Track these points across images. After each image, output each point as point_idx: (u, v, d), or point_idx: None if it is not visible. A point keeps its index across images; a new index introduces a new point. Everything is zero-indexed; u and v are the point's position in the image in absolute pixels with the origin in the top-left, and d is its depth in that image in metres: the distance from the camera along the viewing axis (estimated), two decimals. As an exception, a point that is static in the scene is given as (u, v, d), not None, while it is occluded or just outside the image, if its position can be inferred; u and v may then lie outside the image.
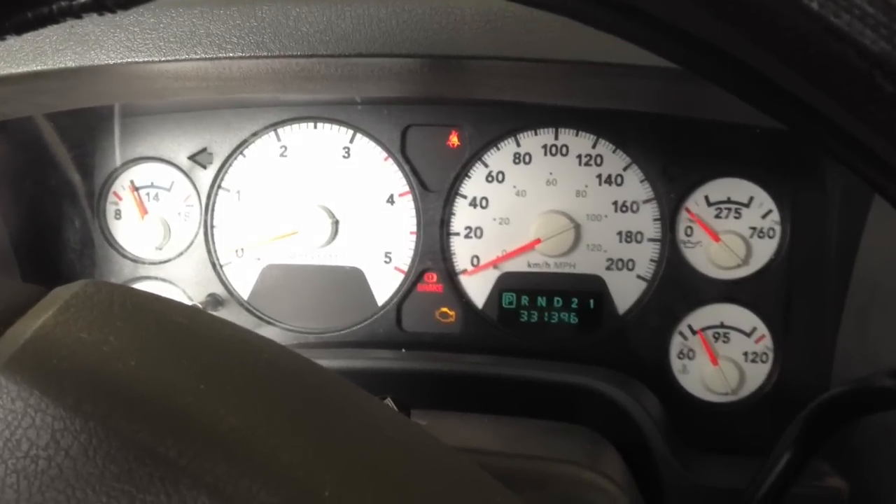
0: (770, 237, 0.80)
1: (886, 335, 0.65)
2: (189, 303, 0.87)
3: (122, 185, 0.89)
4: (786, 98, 0.27)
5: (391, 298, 0.86)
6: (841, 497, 0.72)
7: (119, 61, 0.57)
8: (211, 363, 0.35)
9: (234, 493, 0.29)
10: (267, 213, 0.87)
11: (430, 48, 0.55)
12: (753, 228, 0.81)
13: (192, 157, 0.87)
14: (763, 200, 0.80)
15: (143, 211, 0.88)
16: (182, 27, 0.56)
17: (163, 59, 0.56)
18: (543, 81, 0.67)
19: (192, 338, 0.36)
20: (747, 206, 0.81)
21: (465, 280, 0.85)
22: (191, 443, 0.29)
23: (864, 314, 0.71)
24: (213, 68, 0.59)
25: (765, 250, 0.80)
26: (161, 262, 0.89)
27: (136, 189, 0.88)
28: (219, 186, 0.87)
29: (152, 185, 0.89)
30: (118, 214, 0.89)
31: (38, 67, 0.57)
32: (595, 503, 0.51)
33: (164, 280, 0.89)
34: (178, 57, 0.56)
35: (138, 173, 0.89)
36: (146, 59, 0.56)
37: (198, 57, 0.56)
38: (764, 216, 0.80)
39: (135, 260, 0.89)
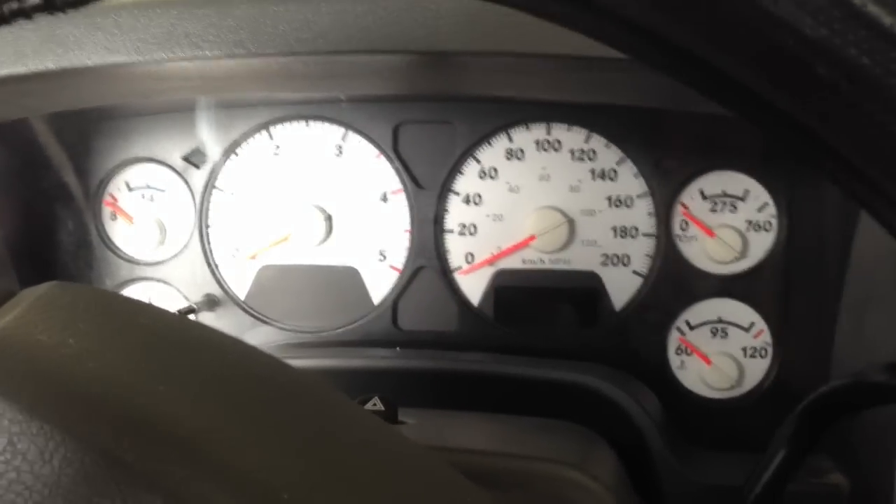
0: (767, 231, 0.79)
1: (882, 329, 0.64)
2: (186, 303, 0.87)
3: (117, 187, 0.89)
4: (736, 89, 0.27)
5: (387, 297, 0.86)
6: (841, 494, 0.71)
7: (99, 63, 0.57)
8: (172, 365, 0.34)
9: (190, 497, 0.28)
10: (261, 213, 0.87)
11: (407, 44, 0.55)
12: (750, 222, 0.80)
13: (185, 158, 0.87)
14: (759, 193, 0.79)
15: (128, 217, 0.88)
16: (160, 27, 0.56)
17: (142, 59, 0.56)
18: (527, 76, 0.66)
19: (155, 340, 0.36)
20: (743, 199, 0.80)
21: (460, 278, 0.85)
22: (148, 446, 0.29)
23: (861, 308, 0.70)
24: (193, 68, 0.59)
25: (761, 244, 0.79)
26: (157, 263, 0.89)
27: (115, 200, 0.89)
28: (213, 186, 0.87)
29: (147, 186, 0.89)
30: (114, 216, 0.90)
31: (20, 70, 0.57)
32: (578, 502, 0.50)
33: (160, 281, 0.89)
34: (156, 57, 0.56)
35: (133, 174, 0.89)
36: (125, 60, 0.56)
37: (176, 57, 0.55)
38: (760, 209, 0.79)
39: (131, 261, 0.90)
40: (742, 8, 0.23)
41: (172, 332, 0.37)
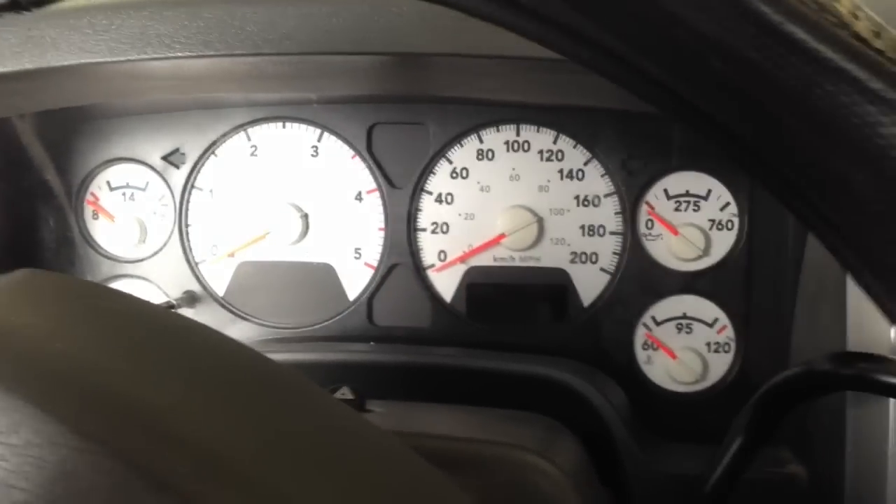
0: (729, 229, 0.82)
1: (833, 322, 0.66)
2: (165, 300, 0.89)
3: (98, 186, 0.91)
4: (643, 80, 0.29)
5: (362, 293, 0.88)
6: (800, 482, 0.73)
7: (75, 62, 0.59)
8: (138, 345, 0.36)
9: (152, 465, 0.30)
10: (239, 211, 0.89)
11: (370, 45, 0.57)
12: (712, 221, 0.82)
13: (165, 158, 0.89)
14: (721, 193, 0.82)
15: (109, 215, 0.90)
16: (133, 28, 0.58)
17: (115, 59, 0.58)
18: (494, 77, 0.68)
19: (122, 322, 0.38)
20: (706, 199, 0.82)
21: (433, 275, 0.87)
22: (110, 418, 0.31)
23: (815, 303, 0.72)
24: (166, 68, 0.61)
25: (724, 242, 0.82)
26: (138, 261, 0.91)
27: (97, 199, 0.91)
28: (192, 186, 0.89)
29: (128, 186, 0.91)
30: (95, 214, 0.92)
31: (4, 70, 0.59)
32: (537, 485, 0.52)
33: (141, 278, 0.91)
34: (129, 57, 0.58)
35: (114, 174, 0.91)
36: (100, 60, 0.58)
37: (148, 57, 0.58)
38: (722, 208, 0.82)
39: (112, 258, 0.92)
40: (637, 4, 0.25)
41: (141, 317, 0.39)
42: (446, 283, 0.87)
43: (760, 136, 0.26)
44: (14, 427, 0.30)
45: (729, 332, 0.82)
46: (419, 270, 0.87)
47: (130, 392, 0.32)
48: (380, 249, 0.87)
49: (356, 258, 0.88)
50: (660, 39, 0.26)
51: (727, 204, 0.81)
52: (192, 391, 0.34)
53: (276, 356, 0.78)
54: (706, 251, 0.82)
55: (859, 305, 0.64)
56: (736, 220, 0.81)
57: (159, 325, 0.39)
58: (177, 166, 0.89)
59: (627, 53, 0.27)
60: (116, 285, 0.91)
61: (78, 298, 0.38)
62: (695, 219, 0.82)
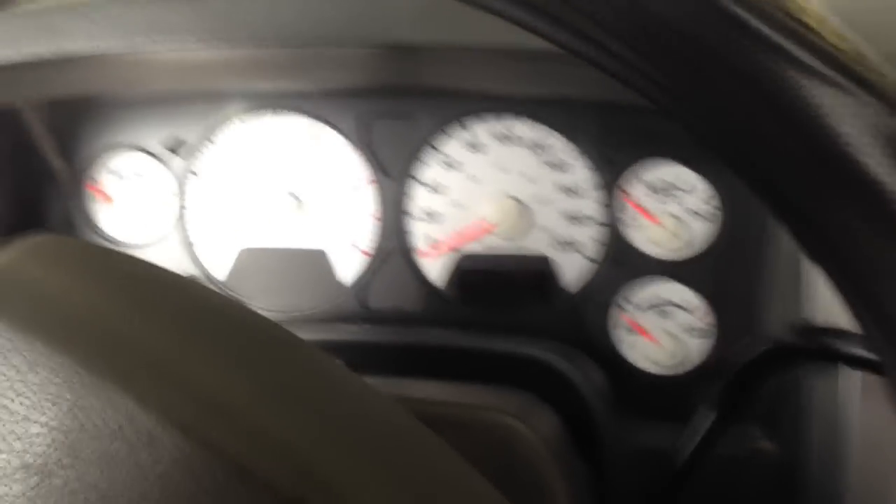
0: (707, 219, 0.85)
1: (804, 306, 0.69)
2: (164, 284, 0.92)
3: (100, 171, 0.94)
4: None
5: (356, 279, 0.91)
6: (769, 457, 0.77)
7: (84, 50, 0.62)
8: (148, 298, 0.40)
9: (157, 401, 0.33)
10: (238, 199, 0.92)
11: (368, 37, 0.60)
12: (692, 211, 0.85)
13: (165, 145, 0.92)
14: (700, 184, 0.85)
15: (109, 200, 0.94)
16: (144, 17, 0.61)
17: (125, 47, 0.62)
18: (488, 68, 0.72)
19: (134, 281, 0.41)
20: (685, 189, 0.85)
21: (425, 261, 0.90)
22: (120, 358, 0.34)
23: (787, 289, 0.76)
24: (172, 57, 0.64)
25: (703, 231, 0.85)
26: (139, 247, 0.94)
27: (99, 184, 0.94)
28: (192, 173, 0.93)
29: (129, 172, 0.94)
30: (97, 200, 0.95)
31: (11, 56, 0.62)
32: (515, 448, 0.56)
33: (141, 263, 0.94)
34: (138, 46, 0.61)
35: (116, 160, 0.94)
36: (109, 49, 0.62)
37: (157, 46, 0.61)
38: (702, 199, 0.85)
39: (113, 243, 0.95)
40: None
41: (150, 276, 0.42)
42: (437, 270, 0.90)
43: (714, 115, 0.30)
44: (32, 366, 0.33)
45: (707, 317, 0.86)
46: (411, 257, 0.90)
47: (140, 338, 0.35)
48: (374, 237, 0.91)
49: (351, 245, 0.91)
50: (623, 22, 0.29)
51: (706, 194, 0.85)
52: (199, 340, 0.37)
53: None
54: (686, 240, 0.85)
55: (827, 291, 0.68)
56: (716, 211, 0.85)
57: (172, 285, 0.42)
58: (176, 153, 0.92)
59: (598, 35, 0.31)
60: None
61: (95, 258, 0.42)
62: (675, 208, 0.86)
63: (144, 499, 0.30)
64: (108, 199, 0.94)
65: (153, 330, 0.36)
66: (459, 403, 0.59)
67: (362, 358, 0.79)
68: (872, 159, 0.26)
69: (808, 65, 0.26)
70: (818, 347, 0.60)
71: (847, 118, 0.26)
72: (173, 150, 0.92)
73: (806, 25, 0.27)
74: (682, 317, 0.87)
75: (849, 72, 0.26)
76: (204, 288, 0.44)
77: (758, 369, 0.67)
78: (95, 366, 0.34)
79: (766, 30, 0.26)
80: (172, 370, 0.34)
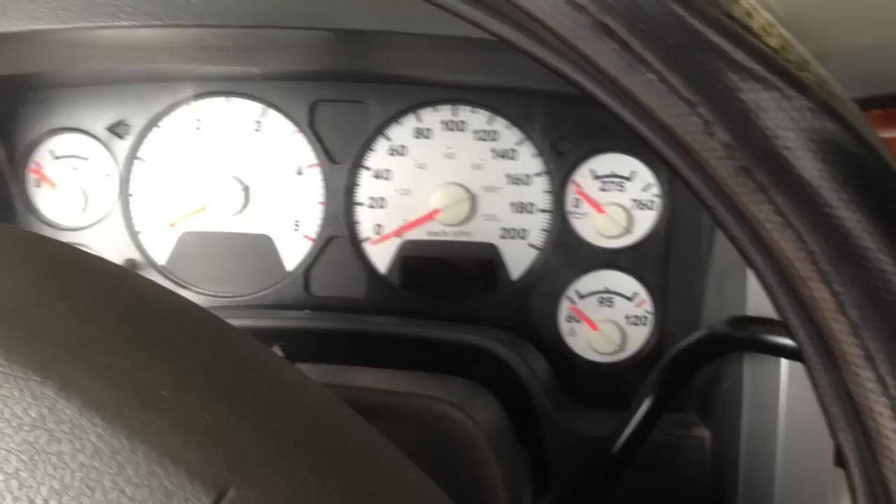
0: (650, 209, 0.87)
1: (737, 292, 0.71)
2: (106, 268, 0.91)
3: (42, 155, 0.93)
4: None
5: (300, 264, 0.91)
6: (704, 444, 0.79)
7: (23, 29, 0.61)
8: (71, 285, 0.39)
9: (80, 388, 0.33)
10: (182, 183, 0.91)
11: (312, 21, 0.60)
12: (635, 200, 0.87)
13: (109, 128, 0.91)
14: (644, 175, 0.87)
15: (51, 184, 0.92)
16: (81, -4, 0.60)
17: (63, 26, 0.60)
18: (431, 56, 0.72)
19: (57, 266, 0.40)
20: (630, 179, 0.87)
21: (369, 248, 0.91)
22: (43, 346, 0.34)
23: (723, 275, 0.78)
24: (112, 37, 0.63)
25: (645, 221, 0.87)
26: (79, 229, 0.93)
27: (40, 167, 0.92)
28: (135, 157, 0.91)
29: (71, 155, 0.92)
30: (38, 183, 0.93)
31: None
32: (451, 435, 0.56)
33: (82, 246, 0.92)
34: (77, 25, 0.60)
35: (58, 143, 0.92)
36: (47, 27, 0.60)
37: (95, 25, 0.60)
38: (644, 189, 0.87)
39: (53, 226, 0.93)
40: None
41: (75, 262, 0.42)
42: (382, 256, 0.90)
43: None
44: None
45: (647, 306, 0.87)
46: (356, 243, 0.90)
47: (61, 324, 0.35)
48: (318, 222, 0.90)
49: (295, 230, 0.91)
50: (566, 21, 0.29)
51: (649, 185, 0.87)
52: (120, 325, 0.37)
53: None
54: (628, 229, 0.87)
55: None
56: (657, 201, 0.86)
57: (93, 270, 0.42)
58: (121, 137, 0.91)
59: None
60: (58, 252, 0.92)
61: (20, 243, 0.41)
62: (619, 198, 0.87)
63: (66, 488, 0.30)
64: (48, 181, 0.93)
65: (77, 317, 0.36)
66: (396, 392, 0.60)
67: (305, 345, 0.79)
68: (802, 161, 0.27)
69: (744, 65, 0.27)
70: (749, 337, 0.62)
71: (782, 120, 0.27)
72: (117, 134, 0.91)
73: (743, 25, 0.27)
74: (622, 304, 0.88)
75: (784, 72, 0.27)
76: (133, 275, 0.44)
77: (692, 357, 0.68)
78: (16, 353, 0.33)
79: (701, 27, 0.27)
80: (96, 358, 0.34)
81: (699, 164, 0.30)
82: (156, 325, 0.39)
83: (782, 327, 0.60)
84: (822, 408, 0.31)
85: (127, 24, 0.60)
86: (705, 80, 0.28)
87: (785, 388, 0.65)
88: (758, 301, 0.67)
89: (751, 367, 0.69)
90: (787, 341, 0.59)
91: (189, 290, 0.92)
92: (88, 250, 0.91)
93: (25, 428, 0.31)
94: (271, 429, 0.35)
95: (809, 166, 0.27)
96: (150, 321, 0.39)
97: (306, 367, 0.68)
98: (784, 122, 0.27)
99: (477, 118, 0.88)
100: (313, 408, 0.41)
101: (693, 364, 0.69)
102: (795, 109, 0.27)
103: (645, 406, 0.70)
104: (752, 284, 0.68)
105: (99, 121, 0.91)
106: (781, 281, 0.30)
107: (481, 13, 0.35)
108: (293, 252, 0.91)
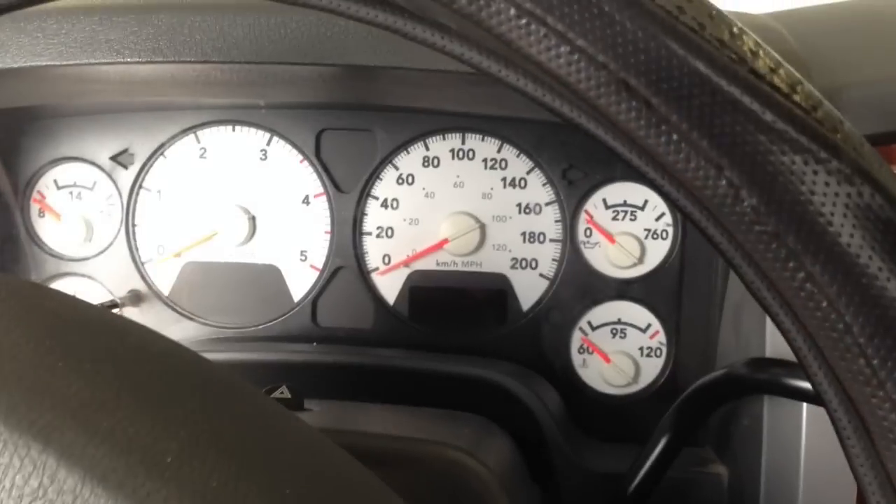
0: (663, 238, 0.85)
1: (754, 329, 0.69)
2: (110, 298, 0.90)
3: (45, 185, 0.92)
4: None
5: (306, 295, 0.89)
6: (721, 482, 0.77)
7: (24, 65, 0.60)
8: (72, 343, 0.38)
9: (81, 457, 0.32)
10: (187, 213, 0.90)
11: (316, 57, 0.59)
12: (648, 230, 0.85)
13: (113, 158, 0.90)
14: (657, 203, 0.85)
15: (56, 214, 0.91)
16: (82, 32, 0.59)
17: (64, 62, 0.59)
18: (439, 89, 0.71)
19: (58, 320, 0.39)
20: (642, 208, 0.85)
21: (377, 278, 0.89)
22: (43, 411, 0.32)
23: (739, 310, 0.76)
24: (114, 72, 0.62)
25: (658, 251, 0.85)
26: (83, 259, 0.92)
27: (43, 198, 0.91)
28: (140, 186, 0.90)
29: (75, 185, 0.91)
30: (41, 213, 0.92)
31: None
32: (464, 482, 0.55)
33: (86, 276, 0.91)
34: (78, 61, 0.59)
35: (62, 173, 0.91)
36: (48, 63, 0.59)
37: (97, 61, 0.59)
38: (657, 218, 0.85)
39: (57, 257, 0.92)
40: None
41: (76, 316, 0.40)
42: (390, 287, 0.89)
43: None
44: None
45: (660, 338, 0.85)
46: (363, 273, 0.89)
47: (63, 387, 0.33)
48: (325, 252, 0.89)
49: (302, 260, 0.90)
50: (577, 71, 0.28)
51: (662, 214, 0.85)
52: (124, 387, 0.36)
53: (218, 356, 0.80)
54: (641, 259, 0.85)
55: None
56: (670, 230, 0.85)
57: (96, 325, 0.40)
58: (125, 167, 0.90)
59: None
60: (61, 283, 0.91)
61: (19, 297, 0.40)
62: (631, 228, 0.85)
63: None
64: (52, 212, 0.91)
65: (79, 378, 0.35)
66: (407, 438, 0.58)
67: (312, 380, 0.78)
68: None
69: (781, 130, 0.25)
70: (769, 380, 0.60)
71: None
72: (122, 163, 0.90)
73: (771, 84, 0.26)
74: (635, 336, 0.86)
75: (815, 133, 0.26)
76: (137, 327, 0.42)
77: (710, 397, 0.67)
78: (16, 418, 0.32)
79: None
80: (98, 423, 0.33)
81: (726, 228, 0.28)
82: (160, 385, 0.38)
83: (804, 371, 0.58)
84: (853, 471, 0.29)
85: (130, 60, 0.59)
86: (732, 142, 0.26)
87: (806, 428, 0.63)
88: (777, 340, 0.65)
89: (770, 406, 0.67)
90: (808, 385, 0.57)
91: (194, 320, 0.90)
92: (93, 281, 0.90)
93: (26, 499, 0.30)
94: (281, 495, 0.33)
95: (845, 233, 0.26)
96: (154, 380, 0.38)
97: (314, 404, 0.66)
98: (817, 186, 0.26)
99: (486, 146, 0.87)
100: (324, 469, 0.40)
101: (711, 404, 0.67)
102: (829, 173, 0.26)
103: (661, 444, 0.69)
104: (772, 323, 0.66)
105: (103, 150, 0.90)
106: (813, 348, 0.29)
107: (498, 65, 0.33)
108: (300, 282, 0.90)
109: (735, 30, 0.27)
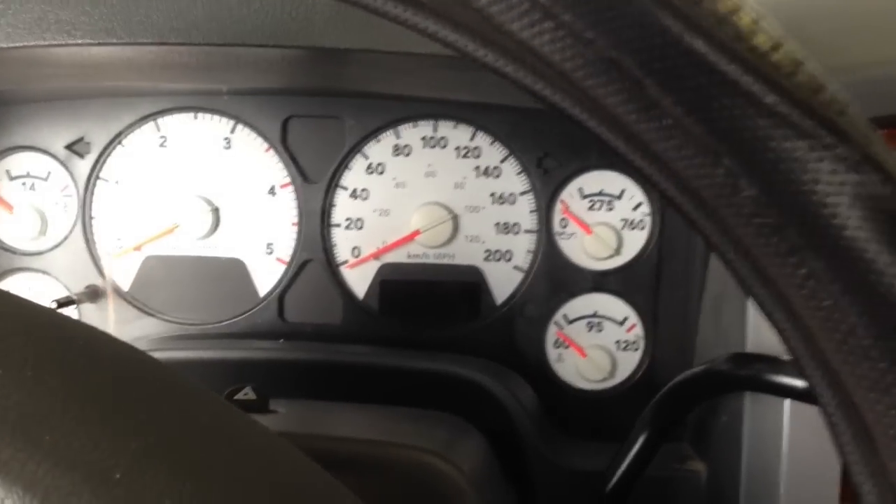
0: (641, 229, 0.83)
1: (734, 322, 0.68)
2: (66, 294, 0.86)
3: (-3, 175, 0.88)
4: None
5: (273, 289, 0.86)
6: (699, 478, 0.75)
7: (-34, 47, 0.56)
8: (13, 348, 0.35)
9: (20, 474, 0.29)
10: (147, 204, 0.86)
11: (280, 38, 0.56)
12: (625, 220, 0.83)
13: (68, 147, 0.86)
14: (634, 193, 0.83)
15: (7, 206, 0.87)
16: (32, 13, 0.55)
17: (12, 45, 0.56)
18: (408, 73, 0.68)
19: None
20: (619, 198, 0.83)
21: (346, 271, 0.86)
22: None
23: (719, 303, 0.74)
24: (66, 55, 0.59)
25: (635, 241, 0.83)
26: (37, 254, 0.88)
27: None
28: (97, 177, 0.86)
29: (28, 175, 0.87)
30: (-7, 204, 0.88)
31: None
32: (436, 487, 0.52)
33: (40, 272, 0.87)
34: (26, 43, 0.55)
35: (14, 162, 0.87)
36: (-6, 45, 0.56)
37: (46, 43, 0.55)
38: (635, 208, 0.83)
39: (10, 251, 0.88)
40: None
41: (18, 316, 0.37)
42: (359, 280, 0.86)
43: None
44: None
45: (637, 331, 0.84)
46: (332, 266, 0.86)
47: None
48: (292, 245, 0.86)
49: (268, 253, 0.86)
50: (570, 52, 0.26)
51: (640, 204, 0.83)
52: (68, 397, 0.33)
53: (180, 354, 0.77)
54: (618, 250, 0.83)
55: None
56: (648, 220, 0.83)
57: (41, 328, 0.38)
58: (81, 156, 0.86)
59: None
60: (13, 279, 0.87)
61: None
62: (608, 218, 0.83)
63: None
64: (3, 204, 0.87)
65: (19, 388, 0.32)
66: (377, 441, 0.55)
67: (279, 378, 0.75)
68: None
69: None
70: (752, 376, 0.58)
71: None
72: (77, 153, 0.86)
73: (773, 62, 0.24)
74: (612, 329, 0.84)
75: (821, 117, 0.23)
76: (86, 328, 0.39)
77: (689, 394, 0.65)
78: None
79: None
80: (39, 436, 0.30)
81: (722, 221, 0.26)
82: (109, 394, 0.35)
83: (789, 367, 0.57)
84: (853, 479, 0.28)
85: (81, 42, 0.55)
86: (731, 126, 0.24)
87: (788, 424, 0.61)
88: (759, 336, 0.63)
89: (752, 403, 0.66)
90: (794, 382, 0.55)
91: (155, 317, 0.87)
92: (48, 276, 0.86)
93: None
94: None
95: (852, 225, 0.23)
96: (103, 388, 0.35)
97: (282, 405, 0.64)
98: (822, 174, 0.23)
99: (459, 134, 0.84)
100: (287, 479, 0.38)
101: (691, 401, 0.65)
102: (835, 160, 0.24)
103: (640, 441, 0.67)
104: (753, 316, 0.64)
105: (57, 139, 0.86)
106: (813, 349, 0.27)
107: (475, 44, 0.31)
108: (266, 277, 0.86)
109: (733, 3, 0.25)
